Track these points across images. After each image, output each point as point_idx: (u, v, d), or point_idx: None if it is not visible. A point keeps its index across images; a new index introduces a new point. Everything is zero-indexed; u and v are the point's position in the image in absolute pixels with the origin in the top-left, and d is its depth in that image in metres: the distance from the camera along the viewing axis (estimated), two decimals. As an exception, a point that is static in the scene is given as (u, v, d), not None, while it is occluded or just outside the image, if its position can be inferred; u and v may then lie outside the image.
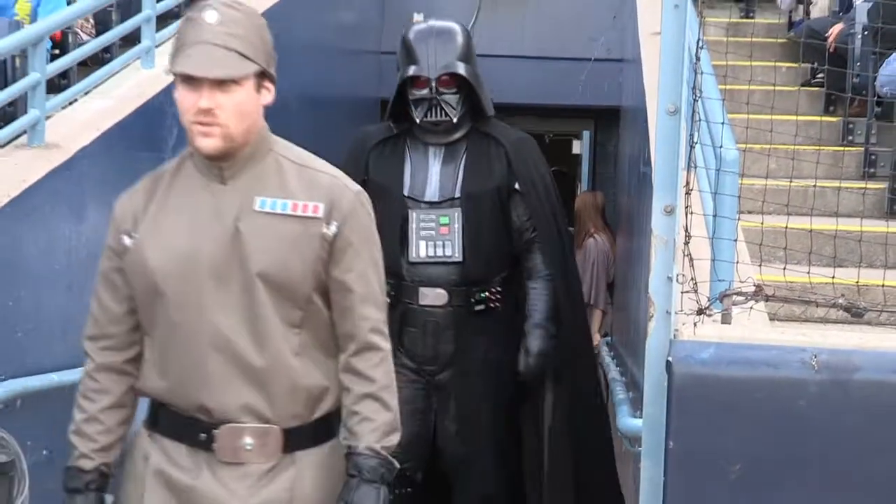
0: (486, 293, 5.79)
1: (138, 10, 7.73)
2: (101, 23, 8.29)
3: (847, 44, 7.92)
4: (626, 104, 10.15)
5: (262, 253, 3.19)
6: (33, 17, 8.09)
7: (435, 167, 5.86)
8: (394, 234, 5.54)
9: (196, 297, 3.21)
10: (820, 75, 8.43)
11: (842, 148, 7.68)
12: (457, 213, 5.74)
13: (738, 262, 4.03)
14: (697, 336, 3.69)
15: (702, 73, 3.92)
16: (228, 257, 3.20)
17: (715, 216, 4.19)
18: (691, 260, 3.81)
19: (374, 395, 3.27)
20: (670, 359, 3.62)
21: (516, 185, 5.85)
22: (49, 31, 7.10)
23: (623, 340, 8.17)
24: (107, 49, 7.96)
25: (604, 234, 10.43)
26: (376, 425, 3.26)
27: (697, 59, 3.89)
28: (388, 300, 4.78)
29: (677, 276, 3.71)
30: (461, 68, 5.82)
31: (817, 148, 7.19)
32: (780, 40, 9.56)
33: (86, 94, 7.33)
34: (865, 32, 7.67)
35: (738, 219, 4.25)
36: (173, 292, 3.21)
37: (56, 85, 7.23)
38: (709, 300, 3.84)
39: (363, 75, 11.99)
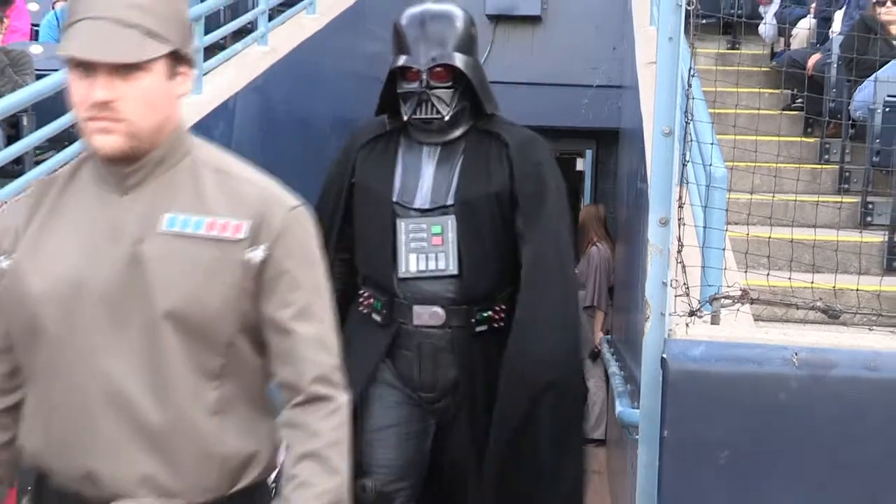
0: (490, 312, 4.46)
1: (188, 41, 7.74)
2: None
3: (824, 72, 7.90)
4: (624, 126, 10.13)
5: (169, 285, 2.28)
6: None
7: (428, 169, 4.51)
8: (383, 246, 4.44)
9: (84, 338, 2.30)
10: (799, 100, 8.41)
11: (819, 166, 7.66)
12: (450, 222, 4.41)
13: (725, 269, 4.01)
14: (689, 335, 3.68)
15: (693, 98, 3.91)
16: (126, 289, 2.29)
17: (705, 227, 4.17)
18: (684, 267, 3.80)
19: (317, 454, 2.32)
20: (665, 356, 3.61)
21: (519, 190, 4.47)
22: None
23: (622, 338, 8.15)
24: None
25: (605, 243, 10.45)
26: (317, 492, 2.31)
27: (689, 85, 3.88)
28: (380, 319, 4.42)
29: (671, 281, 3.70)
30: (457, 59, 4.45)
31: (797, 166, 7.15)
32: (763, 69, 9.55)
33: (141, 117, 7.34)
34: (840, 62, 7.65)
35: (726, 230, 4.24)
36: (56, 330, 2.31)
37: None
38: (699, 303, 3.83)
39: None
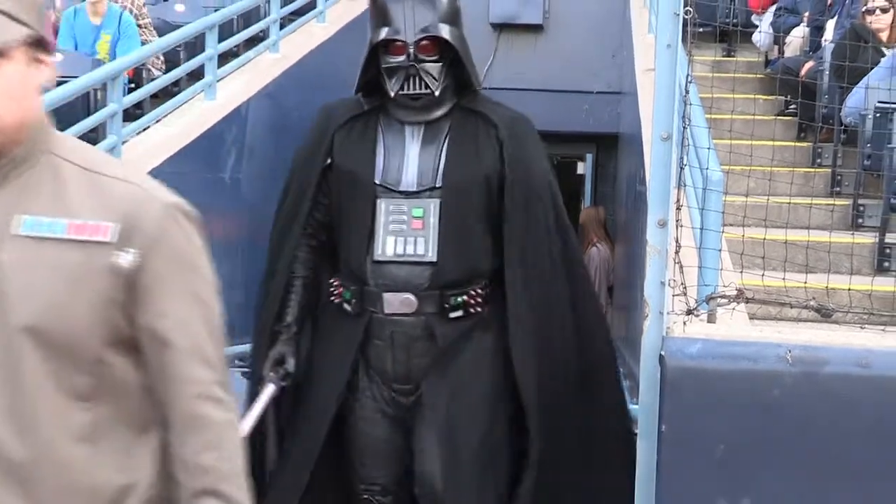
0: (464, 297, 4.04)
1: (202, 49, 7.77)
2: (170, 60, 8.33)
3: (816, 79, 7.89)
4: (623, 131, 10.14)
5: (27, 296, 1.95)
6: (112, 55, 8.13)
7: (413, 150, 4.09)
8: (361, 227, 4.03)
9: None
10: (793, 106, 8.38)
11: (812, 169, 7.66)
12: (433, 205, 4.01)
13: (722, 269, 4.01)
14: (687, 333, 3.67)
15: (690, 104, 3.91)
16: None
17: (702, 229, 4.17)
18: (681, 267, 3.80)
19: (209, 491, 2.00)
20: (663, 353, 3.60)
21: (508, 173, 4.07)
22: (125, 68, 7.15)
23: (621, 336, 8.15)
24: (175, 83, 8.00)
25: (605, 244, 10.47)
26: None
27: (686, 91, 3.88)
28: (350, 309, 4.06)
29: (669, 281, 3.70)
30: (445, 31, 4.03)
31: (791, 169, 7.17)
32: (758, 76, 9.53)
33: (157, 122, 7.37)
34: (832, 69, 7.64)
35: (722, 231, 4.24)
36: None
37: (132, 114, 7.27)
38: (696, 302, 3.82)
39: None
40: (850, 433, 3.54)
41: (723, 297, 3.86)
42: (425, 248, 3.98)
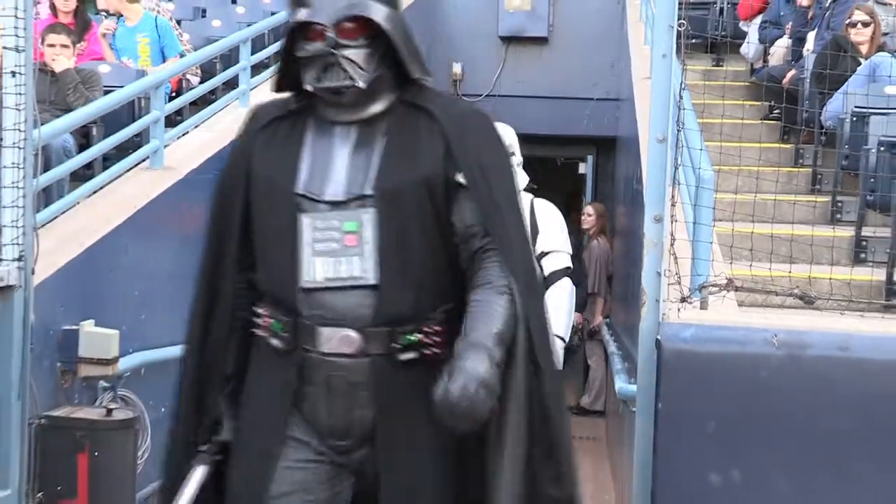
0: (419, 335, 2.95)
1: (237, 60, 7.78)
2: (207, 71, 8.33)
3: (798, 86, 7.86)
4: (621, 135, 10.11)
5: None
6: (153, 57, 8.13)
7: (342, 154, 3.01)
8: (283, 249, 2.98)
9: None
10: (777, 111, 8.37)
11: (794, 169, 7.64)
12: (368, 217, 2.94)
13: (713, 260, 4.00)
14: (681, 319, 3.66)
15: (684, 109, 3.89)
16: None
17: (694, 223, 4.15)
18: (676, 258, 3.78)
19: None
20: (659, 337, 3.60)
21: (458, 177, 2.98)
22: (167, 78, 7.16)
23: (620, 322, 8.14)
24: (212, 91, 8.01)
25: (604, 238, 10.45)
26: None
27: (680, 98, 3.86)
28: (281, 344, 2.98)
29: (665, 271, 3.69)
30: (374, 11, 2.98)
31: (775, 169, 7.13)
32: (745, 83, 9.51)
33: (196, 127, 7.38)
34: (812, 77, 7.62)
35: (713, 225, 4.22)
36: None
37: (172, 120, 7.28)
38: (690, 290, 3.81)
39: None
40: (830, 410, 3.54)
41: (714, 286, 3.86)
42: (362, 268, 2.93)
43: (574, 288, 5.27)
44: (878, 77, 7.04)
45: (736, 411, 3.56)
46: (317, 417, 2.99)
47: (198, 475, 3.01)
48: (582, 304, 10.08)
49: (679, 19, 3.68)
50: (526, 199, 5.21)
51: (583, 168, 13.74)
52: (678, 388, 3.57)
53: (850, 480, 3.53)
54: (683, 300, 3.75)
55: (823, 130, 7.34)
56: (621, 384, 5.77)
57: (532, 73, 12.13)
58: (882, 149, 6.08)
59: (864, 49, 7.53)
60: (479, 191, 2.98)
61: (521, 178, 5.24)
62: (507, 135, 5.14)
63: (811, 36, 8.51)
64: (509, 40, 12.22)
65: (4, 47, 4.10)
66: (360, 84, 2.96)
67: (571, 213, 12.06)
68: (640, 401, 3.73)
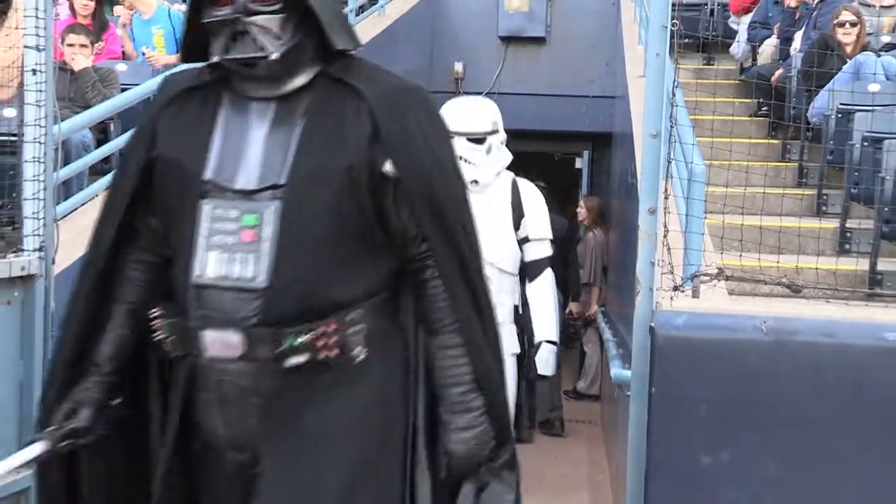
0: (309, 335, 2.48)
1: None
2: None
3: (785, 84, 7.85)
4: (616, 130, 10.09)
5: None
6: (168, 48, 8.10)
7: (258, 135, 2.54)
8: (183, 241, 2.54)
9: None
10: (765, 108, 8.36)
11: (782, 163, 7.63)
12: (270, 211, 2.48)
13: (704, 251, 3.99)
14: (674, 307, 3.66)
15: (676, 105, 3.88)
16: None
17: (687, 215, 4.14)
18: (669, 249, 3.78)
19: None
20: (653, 324, 3.59)
21: (387, 166, 2.52)
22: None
23: (615, 310, 8.13)
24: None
25: (600, 229, 10.45)
26: None
27: (673, 95, 3.85)
28: (172, 348, 2.59)
29: (658, 261, 3.68)
30: None
31: (764, 163, 7.13)
32: (734, 82, 9.50)
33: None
34: (799, 75, 7.60)
35: (705, 217, 4.21)
36: None
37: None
38: (682, 280, 3.81)
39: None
40: (817, 394, 3.53)
41: (705, 275, 3.85)
42: (255, 268, 2.45)
43: (553, 278, 5.23)
44: (863, 75, 7.03)
45: (726, 395, 3.55)
46: (213, 428, 2.55)
47: (30, 451, 2.63)
48: (577, 294, 10.09)
49: (672, 20, 3.68)
50: (507, 178, 5.18)
51: (579, 163, 13.73)
52: (671, 373, 3.57)
53: (835, 461, 3.53)
54: (676, 289, 3.75)
55: (810, 126, 7.33)
56: (616, 370, 5.75)
57: (530, 72, 12.11)
58: (866, 144, 6.07)
59: (849, 49, 7.51)
60: (411, 183, 2.45)
61: (505, 156, 5.18)
62: (491, 110, 5.21)
63: (798, 35, 8.50)
64: (508, 40, 12.20)
65: (26, 46, 4.09)
66: (274, 55, 2.47)
67: (568, 206, 12.09)
68: (635, 385, 3.73)
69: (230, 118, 2.56)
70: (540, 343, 5.12)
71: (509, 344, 4.89)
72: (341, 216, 2.47)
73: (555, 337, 5.17)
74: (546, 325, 5.15)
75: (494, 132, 5.13)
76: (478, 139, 5.05)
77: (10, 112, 4.77)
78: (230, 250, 2.47)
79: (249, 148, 2.52)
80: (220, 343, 2.48)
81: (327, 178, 2.45)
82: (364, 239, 2.52)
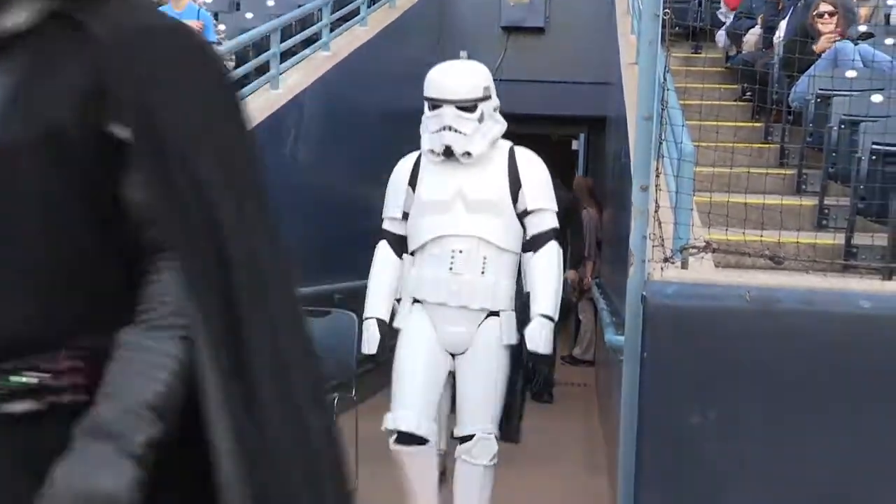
0: (34, 374, 1.39)
1: (267, 47, 7.75)
2: (241, 58, 8.31)
3: (768, 70, 7.82)
4: (610, 114, 10.07)
5: None
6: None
7: None
8: None
9: None
10: (749, 93, 8.33)
11: (765, 145, 7.60)
12: None
13: (693, 226, 3.99)
14: (664, 278, 3.67)
15: (667, 90, 3.88)
16: None
17: (677, 192, 4.14)
18: (660, 224, 3.79)
19: None
20: (644, 294, 3.60)
21: (116, 129, 1.42)
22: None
23: (609, 281, 8.14)
24: (245, 76, 7.98)
25: (593, 208, 10.46)
26: None
27: (664, 80, 3.85)
28: None
29: (650, 235, 3.69)
30: None
31: (748, 145, 7.09)
32: (720, 69, 9.46)
33: (231, 108, 7.37)
34: (781, 63, 7.58)
35: (693, 195, 4.21)
36: None
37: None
38: (672, 252, 3.82)
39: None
40: (797, 357, 3.55)
41: (694, 248, 3.86)
42: None
43: (561, 252, 4.45)
44: (841, 62, 7.00)
45: (713, 359, 3.57)
46: None
47: None
48: (577, 263, 10.06)
49: (664, 9, 3.67)
50: (504, 147, 4.46)
51: (575, 145, 13.72)
52: (661, 339, 3.58)
53: (815, 418, 3.55)
54: (666, 261, 3.76)
55: (790, 110, 7.31)
56: (610, 336, 5.75)
57: (530, 60, 12.08)
58: (843, 126, 6.05)
59: (827, 38, 7.47)
60: (143, 151, 1.48)
61: (499, 124, 4.45)
62: (482, 74, 4.46)
63: (782, 24, 8.46)
64: (510, 30, 12.19)
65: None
66: None
67: (564, 185, 12.08)
68: (627, 350, 3.75)
69: None
70: (534, 317, 4.31)
71: (505, 333, 4.35)
72: (47, 196, 1.51)
73: (552, 312, 4.32)
74: (543, 299, 4.31)
75: (486, 98, 4.36)
76: (468, 107, 4.30)
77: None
78: None
79: None
80: None
81: (23, 149, 1.49)
82: (100, 231, 1.55)
